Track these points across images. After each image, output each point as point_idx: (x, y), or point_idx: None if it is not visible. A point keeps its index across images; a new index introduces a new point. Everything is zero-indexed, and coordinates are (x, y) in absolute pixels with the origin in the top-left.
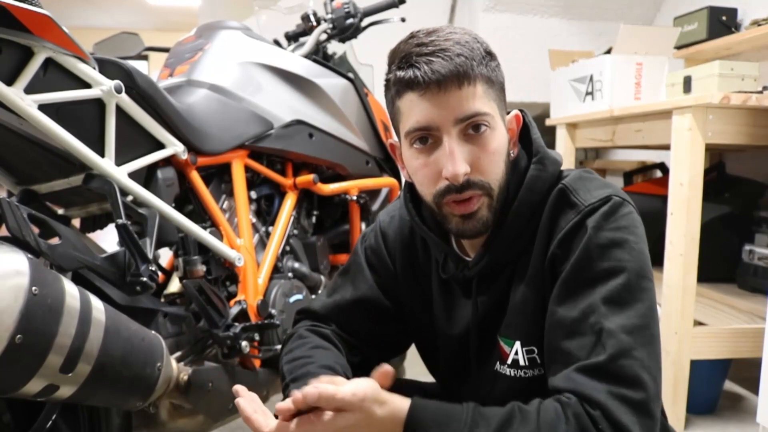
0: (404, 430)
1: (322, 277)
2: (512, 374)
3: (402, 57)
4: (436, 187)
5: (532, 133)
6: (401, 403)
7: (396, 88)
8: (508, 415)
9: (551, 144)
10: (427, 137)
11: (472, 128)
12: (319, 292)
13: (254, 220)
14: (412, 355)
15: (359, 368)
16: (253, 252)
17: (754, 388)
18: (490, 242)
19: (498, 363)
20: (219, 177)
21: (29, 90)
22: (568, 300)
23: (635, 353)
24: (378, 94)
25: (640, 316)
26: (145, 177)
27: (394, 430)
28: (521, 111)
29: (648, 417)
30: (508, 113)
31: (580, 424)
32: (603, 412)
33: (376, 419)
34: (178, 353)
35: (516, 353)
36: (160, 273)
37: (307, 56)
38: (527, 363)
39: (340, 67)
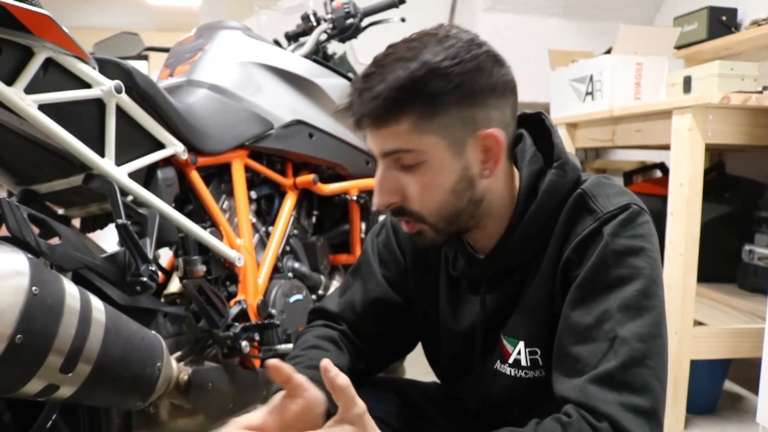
0: None
1: (322, 277)
2: (513, 374)
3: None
4: None
5: (554, 137)
6: None
7: None
8: None
9: None
10: None
11: (401, 161)
12: (320, 292)
13: (254, 220)
14: (413, 355)
15: (364, 375)
16: (253, 252)
17: (754, 388)
18: (503, 243)
19: (498, 361)
20: (219, 177)
21: (29, 90)
22: (582, 305)
23: (648, 362)
24: None
25: (653, 324)
26: (145, 177)
27: None
28: (541, 113)
29: (657, 425)
30: (522, 119)
31: None
32: (612, 424)
33: None
34: (178, 353)
35: (519, 353)
36: (160, 273)
37: (307, 56)
38: (529, 364)
39: (340, 67)
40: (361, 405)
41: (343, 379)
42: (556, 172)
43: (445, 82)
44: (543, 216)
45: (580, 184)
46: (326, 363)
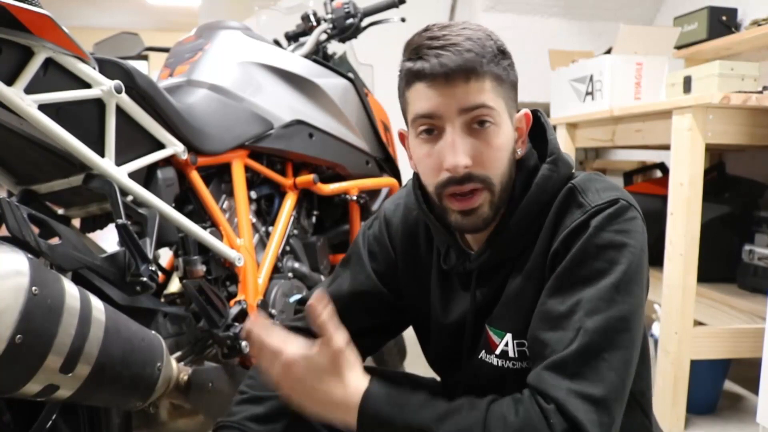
0: (360, 401)
1: (322, 277)
2: (499, 365)
3: (413, 49)
4: (438, 178)
5: (549, 133)
6: (363, 379)
7: (406, 78)
8: (458, 404)
9: None
10: (432, 128)
11: (477, 123)
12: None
13: (254, 220)
14: (412, 355)
15: None
16: (253, 252)
17: (754, 388)
18: (493, 238)
19: (484, 352)
20: (219, 177)
21: (29, 90)
22: (558, 294)
23: (605, 355)
24: (378, 94)
25: (621, 320)
26: (145, 177)
27: (351, 398)
28: (536, 111)
29: (606, 415)
30: (519, 111)
31: (527, 416)
32: (558, 407)
33: (342, 378)
34: (178, 353)
35: (506, 345)
36: (160, 273)
37: (307, 56)
38: (516, 355)
39: (340, 67)
40: (337, 341)
41: (325, 315)
42: (548, 167)
43: (508, 61)
44: (533, 210)
45: (572, 179)
46: (314, 301)
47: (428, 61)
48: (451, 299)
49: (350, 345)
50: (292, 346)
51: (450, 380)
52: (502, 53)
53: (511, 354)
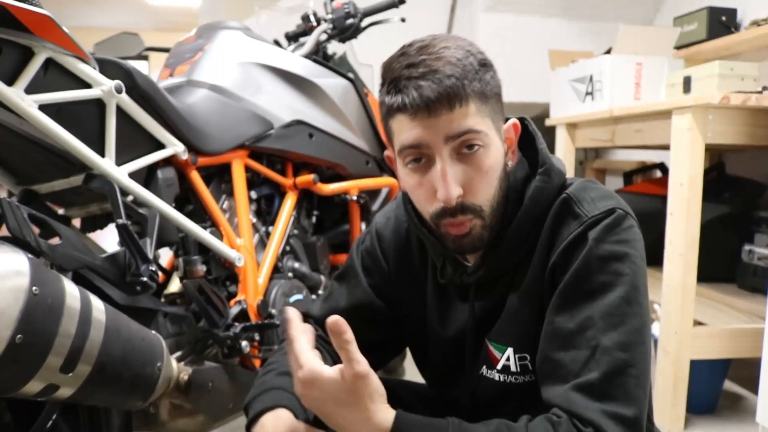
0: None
1: (322, 277)
2: (501, 379)
3: (391, 80)
4: (432, 207)
5: (538, 143)
6: (387, 412)
7: (387, 109)
8: (495, 428)
9: (551, 145)
10: (420, 157)
11: (465, 147)
12: (320, 292)
13: (254, 220)
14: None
15: None
16: (253, 252)
17: (754, 388)
18: (488, 253)
19: (485, 367)
20: (219, 177)
21: (30, 90)
22: (565, 311)
23: (631, 370)
24: (378, 94)
25: (635, 332)
26: (146, 177)
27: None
28: (524, 119)
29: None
30: (508, 119)
31: None
32: (596, 429)
33: (364, 410)
34: (178, 353)
35: (507, 359)
36: (160, 273)
37: (307, 56)
38: (518, 369)
39: (340, 67)
40: (359, 366)
41: (348, 336)
42: (540, 179)
43: (491, 73)
44: (529, 222)
45: (566, 188)
46: (334, 319)
47: (408, 95)
48: (449, 312)
49: (373, 374)
50: (311, 364)
51: (448, 395)
52: (484, 66)
53: (513, 368)
